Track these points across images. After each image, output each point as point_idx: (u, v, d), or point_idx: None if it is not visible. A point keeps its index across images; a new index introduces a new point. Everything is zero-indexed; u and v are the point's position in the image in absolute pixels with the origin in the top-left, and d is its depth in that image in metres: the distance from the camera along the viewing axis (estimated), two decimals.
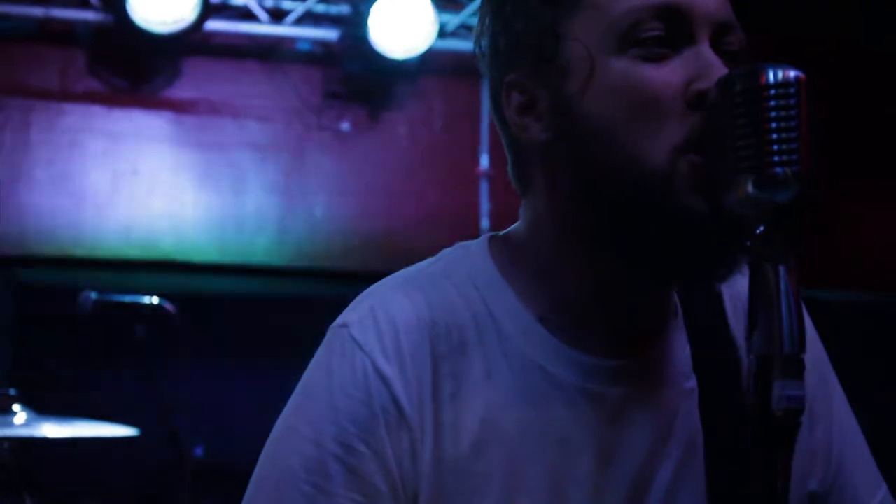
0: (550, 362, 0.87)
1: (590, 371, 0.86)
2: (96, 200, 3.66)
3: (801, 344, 0.63)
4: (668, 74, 0.75)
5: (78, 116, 3.64)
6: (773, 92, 0.65)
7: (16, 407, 2.40)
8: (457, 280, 0.90)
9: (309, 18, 3.71)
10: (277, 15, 3.63)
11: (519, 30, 0.84)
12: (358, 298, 0.92)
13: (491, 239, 0.93)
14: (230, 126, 3.78)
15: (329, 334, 0.90)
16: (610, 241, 0.82)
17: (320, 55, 3.83)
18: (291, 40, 3.75)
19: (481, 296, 0.89)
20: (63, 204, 3.62)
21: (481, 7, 0.91)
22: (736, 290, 0.91)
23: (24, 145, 3.58)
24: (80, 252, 3.60)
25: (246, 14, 3.61)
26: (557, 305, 0.88)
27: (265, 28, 3.64)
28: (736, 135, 0.66)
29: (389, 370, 0.86)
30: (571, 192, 0.83)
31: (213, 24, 3.48)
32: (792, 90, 0.65)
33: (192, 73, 3.74)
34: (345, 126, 3.78)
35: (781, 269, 0.64)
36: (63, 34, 3.59)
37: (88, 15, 3.49)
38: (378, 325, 0.87)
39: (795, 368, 0.63)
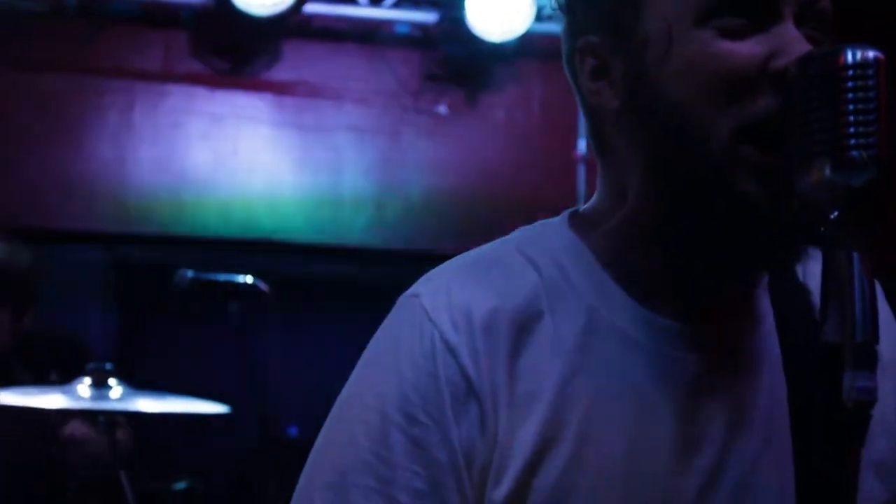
0: (627, 324, 0.88)
1: (668, 334, 0.87)
2: (197, 180, 3.77)
3: (874, 333, 0.62)
4: (748, 49, 0.75)
5: (180, 98, 3.75)
6: (851, 73, 0.64)
7: (112, 381, 2.45)
8: (532, 252, 0.91)
9: (407, 1, 3.79)
10: None
11: (592, 5, 0.85)
12: (431, 273, 0.93)
13: (571, 213, 0.94)
14: (328, 108, 3.87)
15: (398, 304, 0.91)
16: (676, 216, 0.82)
17: (418, 38, 3.87)
18: (390, 23, 3.82)
19: (557, 262, 0.90)
20: (165, 183, 3.72)
21: None
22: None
23: (127, 126, 3.69)
24: (180, 230, 3.69)
25: None
26: (633, 270, 0.89)
27: (364, 11, 3.73)
28: (812, 117, 0.66)
29: (458, 341, 0.86)
30: (642, 163, 0.84)
31: (312, 7, 3.57)
32: (871, 71, 0.64)
33: (292, 55, 3.83)
34: (442, 109, 3.83)
35: (855, 255, 0.63)
36: (166, 17, 3.70)
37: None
38: (450, 298, 0.88)
39: (868, 359, 0.62)
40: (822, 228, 0.65)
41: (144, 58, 3.77)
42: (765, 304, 0.90)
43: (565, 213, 0.94)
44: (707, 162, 0.75)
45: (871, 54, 0.64)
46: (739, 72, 0.74)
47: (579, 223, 0.93)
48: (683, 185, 0.79)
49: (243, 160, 3.84)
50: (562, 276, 0.89)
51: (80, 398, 2.41)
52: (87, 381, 2.43)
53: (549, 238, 0.93)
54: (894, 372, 0.89)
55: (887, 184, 0.65)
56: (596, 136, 0.88)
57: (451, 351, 0.85)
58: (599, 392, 0.87)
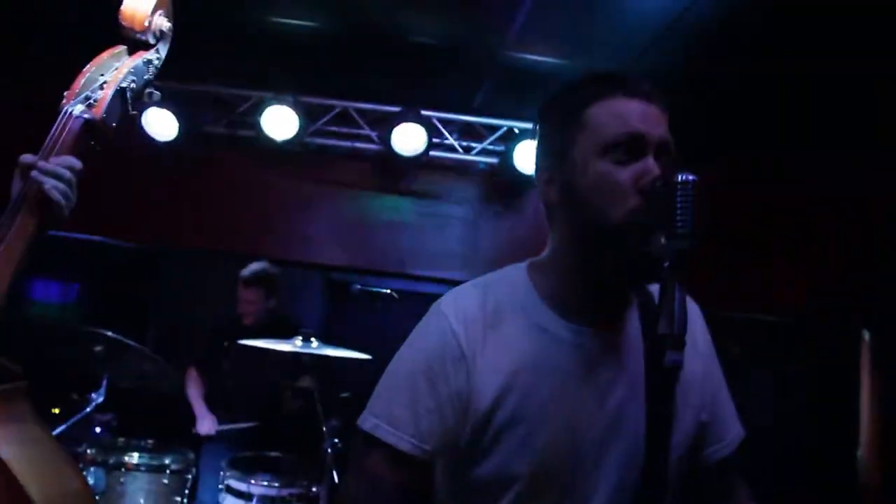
0: (555, 329, 1.24)
1: (580, 334, 1.24)
2: (374, 240, 5.43)
3: (683, 329, 0.96)
4: (627, 173, 1.12)
5: (365, 198, 5.50)
6: (679, 186, 0.97)
7: (313, 339, 3.17)
8: (503, 283, 1.31)
9: (481, 153, 5.21)
10: (467, 149, 5.22)
11: (548, 144, 1.26)
12: (453, 290, 1.33)
13: (531, 261, 1.32)
14: (442, 205, 5.44)
15: (432, 307, 1.31)
16: (590, 259, 1.19)
17: (488, 170, 5.29)
18: (476, 162, 5.30)
19: (514, 290, 1.29)
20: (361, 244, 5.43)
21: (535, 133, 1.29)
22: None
23: (338, 211, 5.54)
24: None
25: (451, 148, 5.20)
26: (559, 296, 1.26)
27: (462, 156, 5.25)
28: (659, 208, 0.99)
29: (458, 329, 1.24)
30: (570, 229, 1.23)
31: (435, 153, 5.05)
32: (690, 185, 0.98)
33: (424, 176, 5.38)
34: (497, 208, 5.31)
35: (677, 286, 0.96)
36: (358, 157, 5.28)
37: (373, 146, 5.15)
38: (456, 303, 1.29)
39: (679, 343, 0.97)
40: (660, 271, 0.98)
41: (350, 176, 5.39)
42: (634, 317, 1.28)
43: (529, 260, 1.33)
44: (608, 229, 1.12)
45: (691, 177, 0.99)
46: (621, 185, 1.11)
47: (532, 267, 1.32)
48: (592, 241, 1.17)
49: (395, 231, 5.38)
50: (515, 299, 1.27)
51: (296, 346, 3.12)
52: (299, 338, 3.18)
53: (513, 276, 1.32)
54: (705, 353, 1.37)
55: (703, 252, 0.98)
56: (547, 217, 1.27)
57: (453, 333, 1.24)
58: (537, 366, 1.23)
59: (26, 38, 4.53)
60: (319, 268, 5.47)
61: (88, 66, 1.55)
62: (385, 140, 4.89)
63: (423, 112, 4.93)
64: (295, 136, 4.93)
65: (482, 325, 1.26)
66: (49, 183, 1.38)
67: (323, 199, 5.42)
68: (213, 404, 4.23)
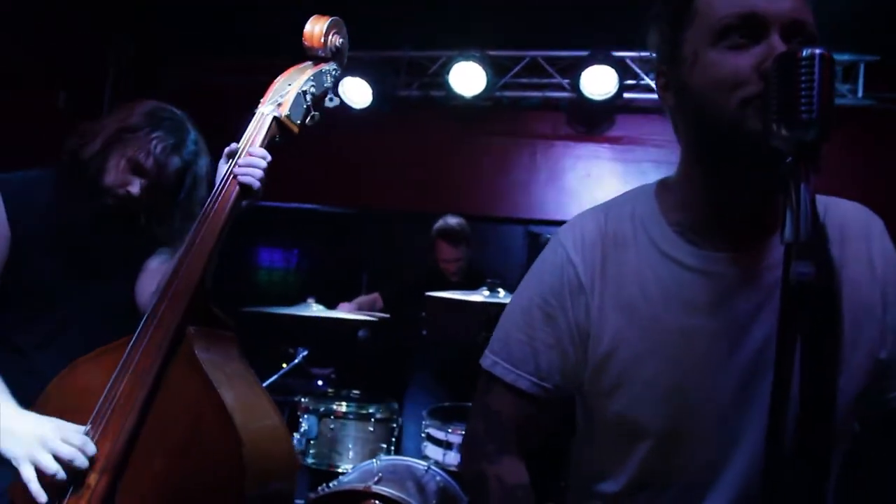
0: (679, 254, 1.13)
1: (706, 259, 1.11)
2: (570, 191, 5.36)
3: (811, 235, 0.77)
4: (745, 58, 1.00)
5: (560, 148, 5.43)
6: (804, 63, 0.83)
7: (500, 289, 3.33)
8: (628, 206, 1.20)
9: None
10: None
11: (658, 40, 1.14)
12: (574, 216, 1.25)
13: (661, 180, 1.21)
14: (639, 150, 5.23)
15: (552, 237, 1.25)
16: (713, 159, 1.07)
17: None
18: None
19: (639, 213, 1.18)
20: (551, 192, 5.37)
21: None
22: (846, 221, 1.14)
23: (533, 163, 5.47)
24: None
25: (648, 88, 4.93)
26: (685, 216, 1.13)
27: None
28: (779, 92, 0.85)
29: (576, 258, 1.18)
30: (691, 135, 1.11)
31: (630, 94, 4.93)
32: (816, 62, 0.82)
33: (620, 122, 5.30)
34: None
35: (802, 185, 0.80)
36: (554, 107, 5.30)
37: (564, 94, 5.11)
38: (574, 232, 1.21)
39: (806, 252, 0.77)
40: (782, 168, 0.82)
41: (542, 127, 5.42)
42: (778, 242, 0.93)
43: (656, 181, 1.22)
44: (726, 120, 0.99)
45: (818, 51, 0.83)
46: (736, 72, 0.99)
47: (661, 186, 1.21)
48: (712, 142, 1.05)
49: (592, 180, 5.32)
50: (638, 224, 1.18)
51: (483, 297, 3.30)
52: (485, 289, 3.37)
53: (639, 197, 1.21)
54: (886, 278, 1.12)
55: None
56: (673, 127, 1.14)
57: (572, 263, 1.19)
58: (662, 298, 1.13)
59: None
60: (517, 222, 5.46)
61: (278, 78, 1.90)
62: (575, 86, 4.81)
63: (616, 53, 4.75)
64: (484, 91, 4.95)
65: (601, 254, 1.18)
66: (246, 172, 1.73)
67: (518, 152, 5.44)
68: (413, 355, 4.38)
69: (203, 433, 1.49)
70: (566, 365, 1.20)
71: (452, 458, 3.36)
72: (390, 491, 2.78)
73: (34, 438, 1.45)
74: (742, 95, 0.99)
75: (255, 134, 1.79)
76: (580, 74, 4.72)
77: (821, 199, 1.10)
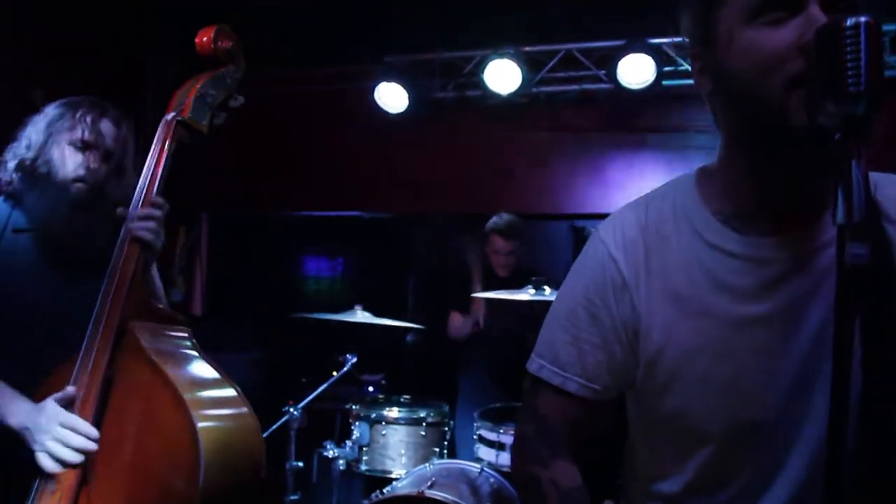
0: (723, 243, 1.09)
1: (752, 245, 1.07)
2: (614, 184, 5.21)
3: (864, 215, 0.73)
4: (784, 33, 0.94)
5: (598, 139, 5.27)
6: (849, 32, 0.78)
7: (546, 287, 3.38)
8: (669, 196, 1.17)
9: None
10: None
11: (691, 22, 1.09)
12: (614, 213, 1.22)
13: (702, 168, 1.17)
14: (681, 137, 5.00)
15: (591, 235, 1.22)
16: (756, 146, 1.03)
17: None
18: None
19: (681, 203, 1.14)
20: (586, 183, 5.25)
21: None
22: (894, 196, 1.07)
23: (573, 157, 5.33)
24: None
25: (686, 74, 4.65)
26: (728, 203, 1.09)
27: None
28: (824, 66, 0.80)
29: (617, 254, 1.16)
30: (731, 120, 1.07)
31: (668, 82, 4.76)
32: (862, 31, 0.77)
33: (655, 108, 5.10)
34: None
35: (854, 163, 0.76)
36: (592, 99, 5.13)
37: (602, 86, 4.92)
38: (614, 227, 1.18)
39: (861, 233, 0.73)
40: (831, 145, 0.79)
41: (581, 120, 5.25)
42: (828, 221, 1.02)
43: (696, 169, 1.18)
44: (769, 108, 0.94)
45: (863, 19, 0.77)
46: (776, 49, 0.93)
47: (702, 174, 1.17)
48: (755, 123, 1.00)
49: (635, 171, 5.16)
50: (680, 214, 1.14)
51: (529, 295, 3.37)
52: (531, 287, 3.42)
53: (680, 187, 1.18)
54: None
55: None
56: (712, 113, 1.10)
57: (614, 260, 1.16)
58: (709, 289, 1.09)
59: None
60: (561, 217, 5.43)
61: (179, 89, 2.01)
62: (612, 76, 4.70)
63: (652, 40, 4.63)
64: (520, 88, 4.90)
65: (644, 248, 1.15)
66: (138, 226, 1.84)
67: (558, 148, 5.33)
68: (462, 357, 4.35)
69: (155, 412, 1.62)
70: (614, 364, 1.18)
71: (505, 458, 3.34)
72: (444, 495, 2.79)
73: (53, 427, 1.61)
74: (784, 76, 0.94)
75: (158, 140, 1.91)
76: (617, 64, 4.63)
77: (871, 176, 1.05)
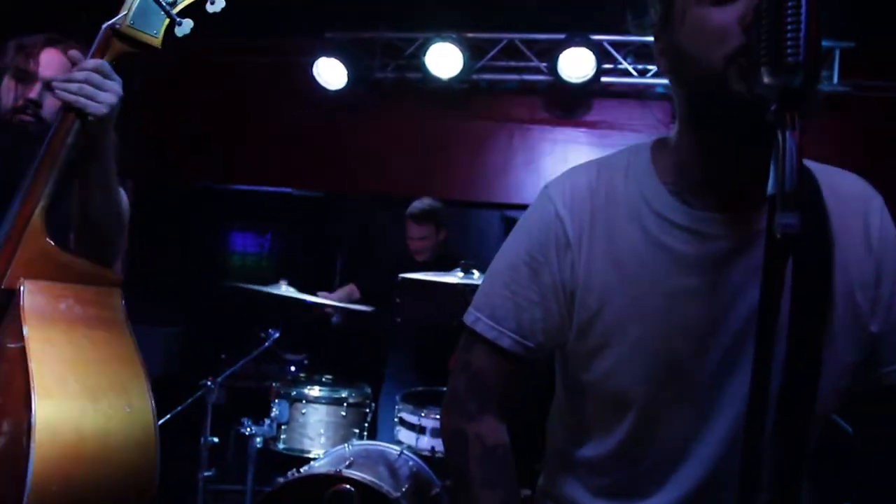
0: (670, 213, 1.10)
1: (698, 219, 1.08)
2: (540, 175, 5.22)
3: (796, 185, 0.74)
4: (728, 12, 0.96)
5: (537, 132, 5.33)
6: (790, 3, 0.78)
7: (475, 271, 3.31)
8: (622, 162, 1.18)
9: (660, 74, 4.02)
10: (643, 72, 4.88)
11: (653, 11, 1.12)
12: (566, 171, 1.22)
13: (657, 138, 1.19)
14: (616, 136, 5.14)
15: (540, 191, 1.22)
16: (702, 120, 1.05)
17: (668, 93, 4.55)
18: (653, 85, 4.94)
19: (633, 170, 1.15)
20: (526, 177, 5.28)
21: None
22: (844, 190, 1.10)
23: (509, 146, 5.37)
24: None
25: (625, 72, 4.91)
26: (679, 176, 1.10)
27: (637, 80, 4.94)
28: (763, 38, 0.80)
29: (564, 213, 1.15)
30: (683, 96, 1.09)
31: (607, 78, 4.88)
32: (803, 3, 0.77)
33: (597, 106, 5.23)
34: None
35: (788, 134, 0.76)
36: (531, 90, 5.22)
37: (542, 77, 5.01)
38: (563, 187, 1.18)
39: (791, 202, 0.74)
40: (767, 115, 0.79)
41: (519, 111, 5.34)
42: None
43: (652, 139, 1.19)
44: (711, 78, 0.96)
45: None
46: (719, 26, 0.96)
47: (657, 145, 1.18)
48: (699, 98, 1.03)
49: (569, 165, 5.41)
50: (631, 182, 1.14)
51: (458, 278, 3.26)
52: (459, 270, 3.32)
53: (634, 155, 1.18)
54: (882, 250, 1.08)
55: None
56: (672, 92, 1.12)
57: (560, 219, 1.16)
58: (652, 258, 1.10)
59: None
60: (493, 206, 5.44)
61: None
62: (552, 69, 4.76)
63: (593, 37, 4.70)
64: (460, 74, 4.90)
65: (590, 210, 1.14)
66: (63, 87, 1.51)
67: (494, 136, 5.38)
68: (384, 341, 4.34)
69: (7, 403, 1.32)
70: (549, 323, 1.17)
71: (426, 442, 3.33)
72: (362, 475, 2.75)
73: None
74: (725, 51, 0.95)
75: (92, 49, 1.58)
76: (558, 57, 4.67)
77: (819, 167, 1.10)
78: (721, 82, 0.95)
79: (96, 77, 1.54)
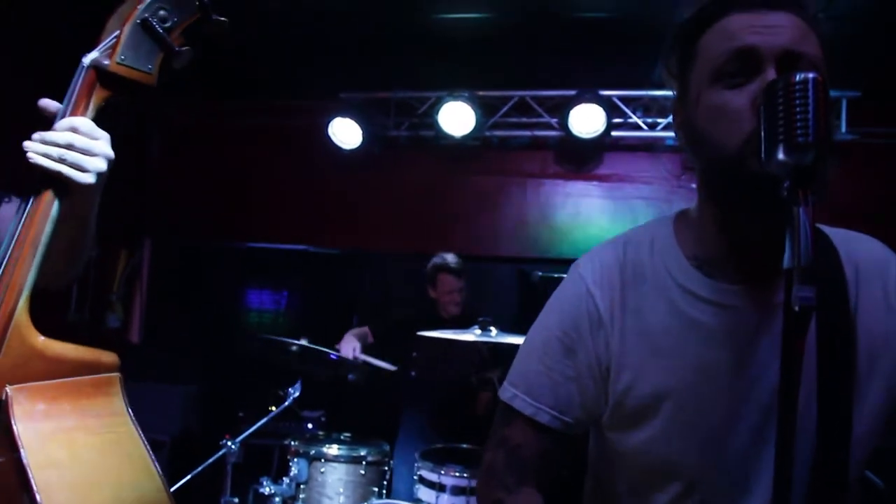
0: (694, 286, 1.11)
1: (720, 291, 1.09)
2: (556, 229, 5.32)
3: (811, 258, 0.76)
4: (741, 96, 0.99)
5: (550, 186, 5.39)
6: (797, 87, 0.82)
7: (492, 328, 3.32)
8: (647, 236, 1.19)
9: (669, 127, 4.76)
10: (653, 125, 4.96)
11: (674, 83, 1.15)
12: (592, 249, 1.24)
13: (679, 212, 1.20)
14: (629, 188, 5.24)
15: (570, 269, 1.23)
16: (718, 193, 1.07)
17: (678, 146, 4.01)
18: (663, 138, 5.01)
19: (658, 245, 1.17)
20: (542, 230, 5.32)
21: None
22: (862, 256, 1.11)
23: (523, 201, 5.43)
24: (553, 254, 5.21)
25: (635, 126, 4.99)
26: (701, 249, 1.12)
27: (647, 133, 5.01)
28: (774, 119, 0.83)
29: (595, 290, 1.17)
30: (700, 171, 1.11)
31: (618, 133, 4.94)
32: (811, 86, 0.81)
33: (609, 160, 5.31)
34: (693, 185, 4.40)
35: (801, 209, 0.79)
36: (543, 145, 5.32)
37: (553, 133, 5.08)
38: (592, 263, 1.20)
39: (807, 276, 0.76)
40: (780, 192, 0.82)
41: (532, 166, 5.41)
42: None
43: (676, 212, 1.21)
44: (727, 158, 0.99)
45: (811, 75, 0.82)
46: (734, 110, 0.98)
47: (679, 219, 1.20)
48: (716, 172, 1.05)
49: (582, 218, 5.28)
50: (657, 257, 1.16)
51: (475, 336, 3.28)
52: (477, 328, 3.35)
53: (657, 230, 1.20)
54: None
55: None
56: (691, 163, 1.13)
57: (591, 295, 1.17)
58: (681, 333, 1.10)
59: None
60: (508, 260, 5.43)
61: (113, 11, 1.31)
62: (563, 124, 4.83)
63: (602, 92, 4.79)
64: (473, 131, 4.98)
65: (621, 287, 1.15)
66: (35, 150, 1.22)
67: (507, 191, 5.44)
68: (403, 396, 4.32)
69: None
70: (586, 398, 1.18)
71: (445, 500, 3.30)
72: None
73: None
74: (741, 134, 0.98)
75: (72, 95, 1.26)
76: (568, 113, 4.75)
77: (837, 232, 1.12)
78: (736, 162, 0.98)
79: (81, 140, 1.25)
